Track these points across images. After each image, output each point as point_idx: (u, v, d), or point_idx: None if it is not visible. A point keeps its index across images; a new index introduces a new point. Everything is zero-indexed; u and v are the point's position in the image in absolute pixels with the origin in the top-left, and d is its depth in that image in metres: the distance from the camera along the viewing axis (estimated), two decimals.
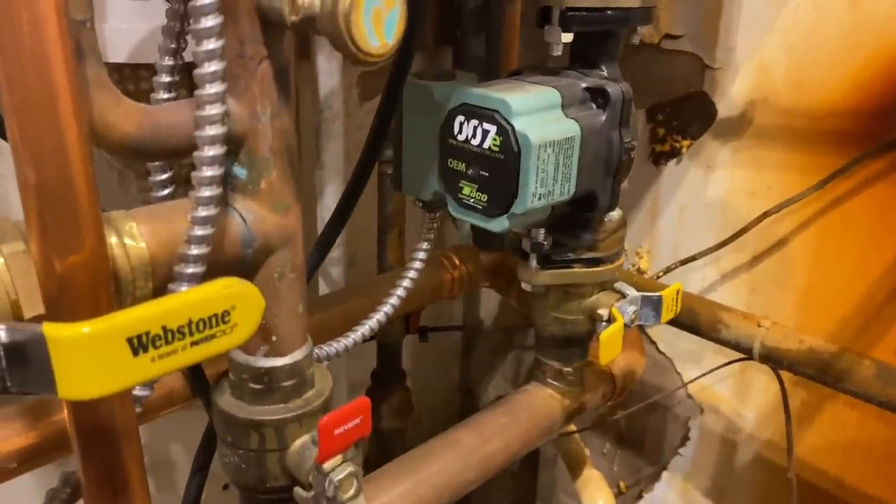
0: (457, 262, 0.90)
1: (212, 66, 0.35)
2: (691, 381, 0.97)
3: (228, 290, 0.32)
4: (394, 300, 0.62)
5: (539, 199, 0.55)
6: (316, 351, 0.54)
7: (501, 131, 0.53)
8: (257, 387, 0.46)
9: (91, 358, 0.29)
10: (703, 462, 1.05)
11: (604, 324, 0.66)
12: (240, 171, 0.41)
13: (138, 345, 0.30)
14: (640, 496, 1.13)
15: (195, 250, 0.37)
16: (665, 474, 1.09)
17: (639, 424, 1.11)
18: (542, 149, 0.53)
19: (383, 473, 0.61)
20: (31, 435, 0.58)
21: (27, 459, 0.58)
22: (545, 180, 0.55)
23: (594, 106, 0.59)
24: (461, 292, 0.92)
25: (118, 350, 0.29)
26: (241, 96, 0.39)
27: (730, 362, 0.87)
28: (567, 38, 0.58)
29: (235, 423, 0.46)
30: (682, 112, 0.94)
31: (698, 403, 1.03)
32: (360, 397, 0.45)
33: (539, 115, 0.55)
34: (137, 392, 0.40)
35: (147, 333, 0.30)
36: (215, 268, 0.41)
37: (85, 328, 0.29)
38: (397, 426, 1.01)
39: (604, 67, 0.61)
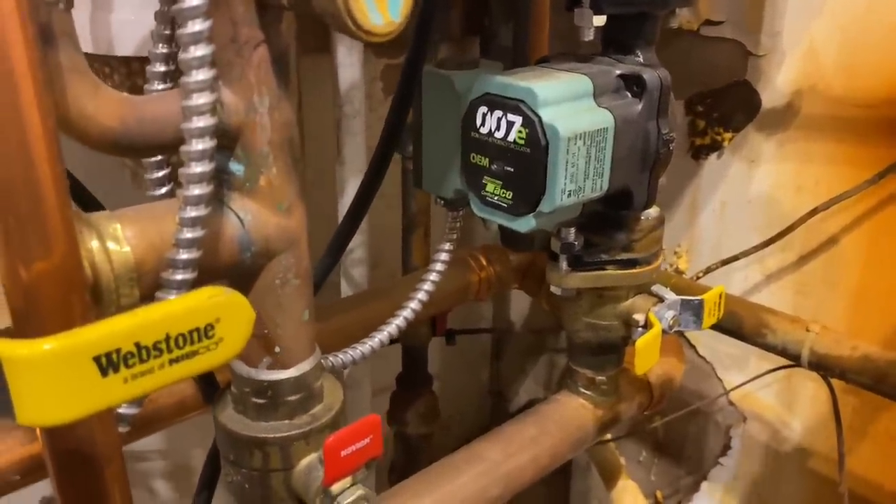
0: (484, 262, 0.86)
1: (198, 50, 0.32)
2: (734, 389, 0.91)
3: (212, 301, 0.29)
4: (414, 304, 0.58)
5: (569, 195, 0.50)
6: (332, 359, 0.50)
7: (527, 123, 0.49)
8: (260, 401, 0.42)
9: (53, 379, 0.25)
10: (746, 473, 0.99)
11: (640, 330, 0.61)
12: (236, 168, 0.38)
13: (108, 364, 0.26)
14: None
15: (184, 255, 0.34)
16: (705, 485, 1.04)
17: (677, 432, 1.06)
18: (572, 141, 0.49)
19: (404, 488, 0.57)
20: (35, 445, 0.55)
21: (31, 471, 0.55)
22: (575, 175, 0.50)
23: (629, 94, 0.54)
24: (489, 294, 0.88)
25: (84, 370, 0.26)
26: (235, 85, 0.36)
27: (776, 369, 0.81)
28: (599, 21, 0.53)
29: (237, 440, 0.42)
30: (723, 103, 0.89)
31: (741, 411, 0.97)
32: (369, 415, 0.41)
33: (568, 104, 0.51)
34: (123, 410, 0.36)
35: (118, 351, 0.27)
36: (210, 273, 0.38)
37: (45, 345, 0.25)
38: (424, 432, 0.97)
39: (639, 53, 0.56)
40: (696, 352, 1.00)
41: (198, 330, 0.28)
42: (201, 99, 0.32)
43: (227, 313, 0.29)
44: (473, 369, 1.29)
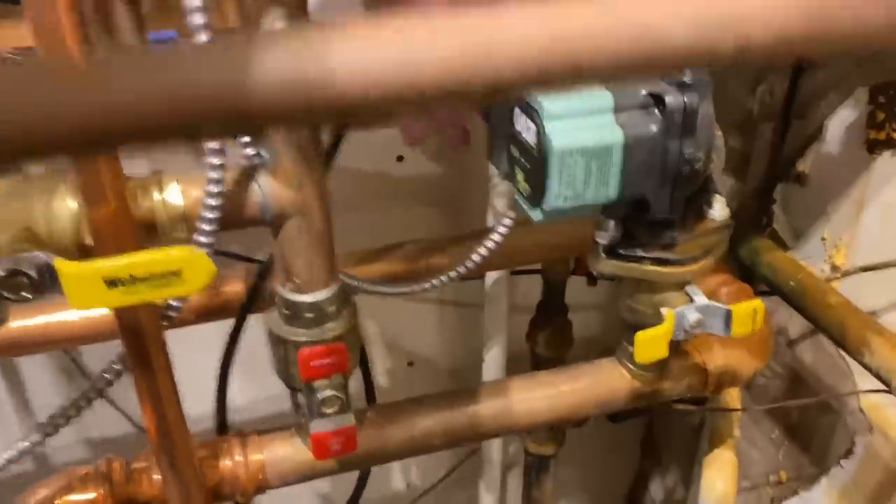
0: None
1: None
2: (841, 395, 0.88)
3: (178, 256, 0.45)
4: (469, 263, 0.70)
5: (565, 200, 0.58)
6: (356, 283, 0.66)
7: (538, 131, 0.57)
8: (287, 312, 0.59)
9: (80, 285, 0.45)
10: (863, 484, 0.95)
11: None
12: (265, 154, 0.53)
13: (111, 283, 0.45)
14: (796, 492, 1.07)
15: (209, 214, 0.51)
16: (824, 480, 1.02)
17: (809, 422, 1.04)
18: (568, 155, 0.56)
19: (417, 403, 0.71)
20: (204, 300, 0.80)
21: (200, 316, 0.80)
22: (572, 184, 0.57)
23: (656, 111, 0.58)
24: None
25: (97, 284, 0.45)
26: None
27: (864, 391, 0.78)
28: None
29: (272, 335, 0.61)
30: None
31: (869, 420, 0.93)
32: (338, 343, 0.57)
33: (580, 119, 0.57)
34: (173, 303, 0.56)
35: (119, 277, 0.45)
36: (241, 223, 0.55)
37: (73, 269, 0.44)
38: (550, 355, 1.09)
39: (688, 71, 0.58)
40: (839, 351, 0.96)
41: (170, 271, 0.46)
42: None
43: (189, 265, 0.46)
44: None
